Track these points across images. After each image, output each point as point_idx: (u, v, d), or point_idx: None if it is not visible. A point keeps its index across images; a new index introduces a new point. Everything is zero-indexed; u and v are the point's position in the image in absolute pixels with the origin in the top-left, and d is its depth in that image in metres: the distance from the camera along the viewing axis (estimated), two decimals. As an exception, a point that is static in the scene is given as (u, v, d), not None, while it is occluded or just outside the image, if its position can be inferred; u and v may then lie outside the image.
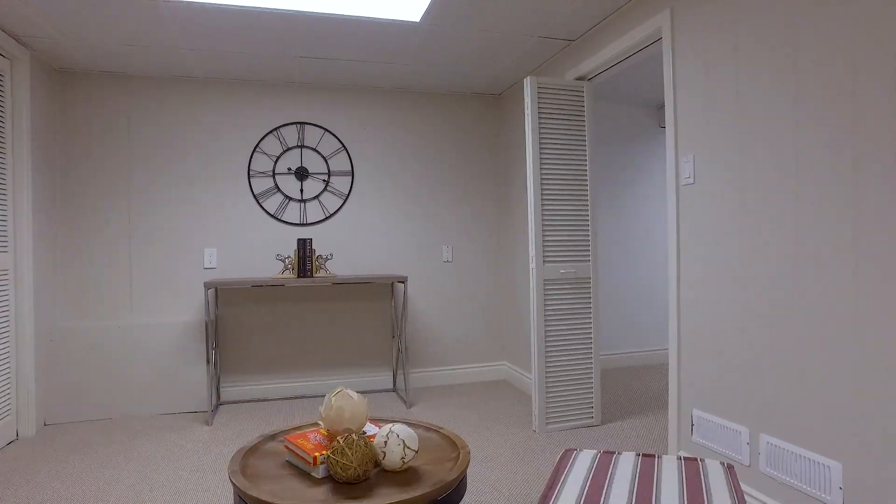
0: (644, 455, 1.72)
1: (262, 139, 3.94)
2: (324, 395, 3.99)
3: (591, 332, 3.29)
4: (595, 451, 1.76)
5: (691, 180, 2.39)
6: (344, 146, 4.10)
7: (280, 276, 3.64)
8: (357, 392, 3.85)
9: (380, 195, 4.18)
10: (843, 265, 1.77)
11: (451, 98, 4.35)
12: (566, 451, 1.78)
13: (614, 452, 1.75)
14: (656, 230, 4.99)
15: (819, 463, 1.85)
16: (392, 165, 4.21)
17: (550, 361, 3.20)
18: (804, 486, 1.91)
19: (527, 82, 3.16)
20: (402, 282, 3.71)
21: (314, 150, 4.04)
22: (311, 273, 3.69)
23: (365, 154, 4.15)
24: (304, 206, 4.02)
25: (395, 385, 4.17)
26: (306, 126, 4.03)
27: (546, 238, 3.19)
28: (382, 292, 4.18)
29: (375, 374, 4.16)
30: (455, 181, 4.36)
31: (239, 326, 3.90)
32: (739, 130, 2.14)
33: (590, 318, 3.29)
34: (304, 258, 3.68)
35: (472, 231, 4.42)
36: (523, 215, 4.05)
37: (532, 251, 3.17)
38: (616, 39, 2.87)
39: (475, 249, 4.42)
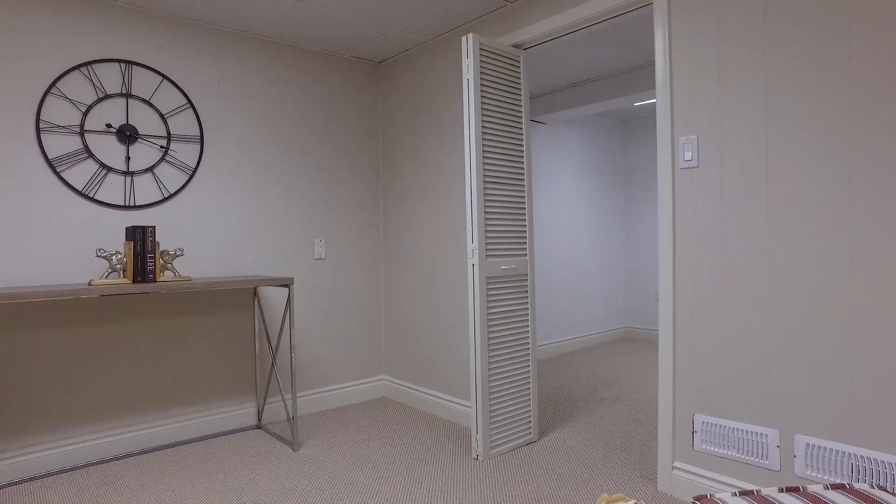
0: (793, 490, 1.37)
1: (61, 76, 2.61)
2: (163, 448, 2.84)
3: (528, 338, 2.90)
4: (732, 494, 1.36)
5: (694, 163, 2.17)
6: (191, 103, 2.99)
7: (104, 280, 2.43)
8: (208, 436, 2.79)
9: (237, 172, 3.16)
10: (910, 251, 1.69)
11: (327, 60, 3.54)
12: (700, 500, 1.33)
13: (754, 491, 1.37)
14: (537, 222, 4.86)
15: (882, 461, 1.75)
16: (254, 135, 3.23)
17: (494, 376, 2.72)
18: (863, 487, 1.80)
19: (467, 40, 2.63)
20: (287, 285, 2.82)
21: (147, 102, 2.85)
22: (155, 276, 2.56)
23: (219, 117, 3.10)
24: (132, 181, 2.81)
25: (260, 419, 3.20)
26: (135, 67, 2.82)
27: (488, 229, 2.71)
28: (243, 300, 3.18)
29: (233, 408, 3.13)
30: (330, 162, 3.57)
31: (20, 362, 2.52)
32: (764, 106, 1.97)
33: (527, 321, 2.90)
34: (144, 255, 2.53)
35: (349, 222, 3.67)
36: (412, 204, 3.49)
37: (473, 244, 2.65)
38: (583, 3, 2.53)
39: (353, 244, 3.69)
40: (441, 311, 3.36)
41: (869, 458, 1.77)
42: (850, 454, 1.81)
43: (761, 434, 2.01)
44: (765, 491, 1.37)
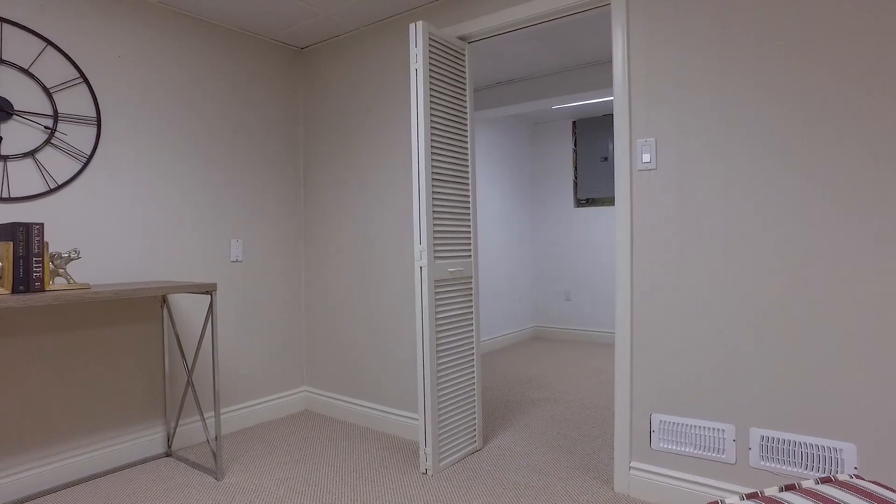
0: (791, 488, 1.39)
1: None
2: (48, 492, 2.35)
3: (473, 342, 2.80)
4: (740, 498, 1.35)
5: (652, 165, 2.20)
6: (85, 78, 2.52)
7: (-25, 291, 1.95)
8: (106, 471, 2.32)
9: (142, 161, 2.73)
10: (859, 255, 1.81)
11: (245, 41, 3.19)
12: (714, 507, 1.30)
13: (758, 493, 1.37)
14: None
15: (829, 447, 1.86)
16: (162, 120, 2.81)
17: (442, 384, 2.58)
18: (809, 473, 1.91)
19: (416, 28, 2.48)
20: (209, 291, 2.48)
21: (25, 72, 2.36)
22: (44, 283, 2.11)
23: (121, 97, 2.65)
24: (6, 168, 2.30)
25: (170, 445, 2.79)
26: (8, 26, 2.32)
27: (436, 229, 2.57)
28: (149, 310, 2.75)
29: (136, 436, 2.70)
30: (248, 154, 3.22)
31: None
32: (722, 111, 2.04)
33: (472, 324, 2.80)
34: (29, 259, 2.08)
35: (269, 222, 3.34)
36: (339, 203, 3.25)
37: (422, 245, 2.50)
38: (536, -1, 2.48)
39: (273, 245, 3.36)
40: (374, 316, 3.16)
41: (819, 446, 1.88)
42: (801, 443, 1.92)
43: (718, 430, 2.08)
44: (767, 492, 1.38)
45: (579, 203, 5.90)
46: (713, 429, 2.09)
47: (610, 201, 5.70)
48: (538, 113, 5.67)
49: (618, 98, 2.28)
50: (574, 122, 5.90)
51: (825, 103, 1.85)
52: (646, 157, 2.21)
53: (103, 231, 2.58)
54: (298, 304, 3.51)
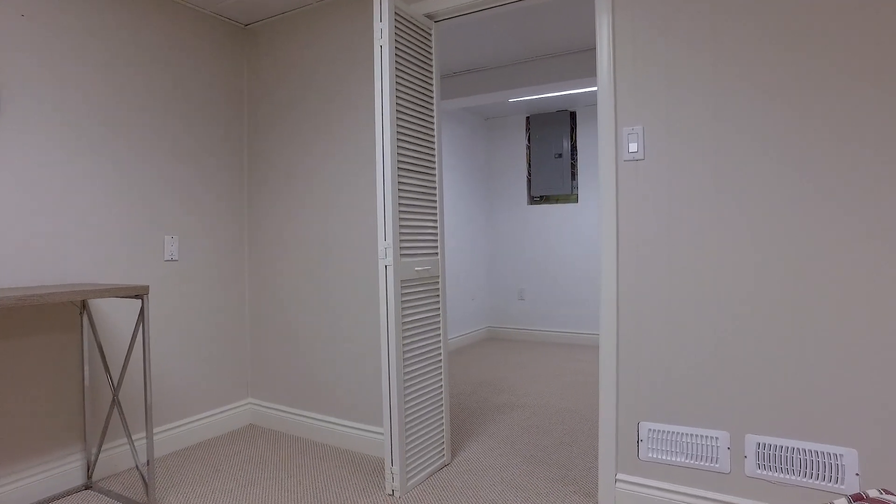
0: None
1: None
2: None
3: (441, 348, 2.58)
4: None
5: (640, 155, 2.05)
6: (-20, 40, 2.11)
7: None
8: None
9: (54, 144, 2.33)
10: (854, 253, 1.72)
11: (181, 14, 2.82)
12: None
13: (791, 516, 1.23)
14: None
15: (829, 453, 1.77)
16: (79, 96, 2.42)
17: (409, 395, 2.34)
18: (808, 481, 1.81)
19: (381, 1, 2.23)
20: (140, 295, 2.13)
21: None
22: (-76, 289, 1.71)
23: (24, 65, 2.24)
24: None
25: (91, 475, 2.40)
26: None
27: (402, 224, 2.33)
28: (66, 318, 2.35)
29: (49, 467, 2.30)
30: (183, 141, 2.86)
31: None
32: (714, 99, 1.91)
33: (440, 329, 2.58)
34: None
35: (210, 216, 2.99)
36: (287, 196, 2.95)
37: (386, 242, 2.25)
38: (512, -26, 2.29)
39: (214, 242, 3.01)
40: (330, 320, 2.87)
41: (818, 452, 1.79)
42: (800, 449, 1.81)
43: (711, 437, 1.95)
44: (801, 514, 1.24)
45: (533, 200, 5.80)
46: (706, 436, 1.96)
47: (564, 199, 5.62)
48: (492, 107, 5.51)
49: (602, 84, 2.11)
50: (528, 118, 5.78)
51: (821, 97, 1.75)
52: (633, 147, 2.06)
53: (2, 224, 2.17)
54: (242, 307, 3.17)
